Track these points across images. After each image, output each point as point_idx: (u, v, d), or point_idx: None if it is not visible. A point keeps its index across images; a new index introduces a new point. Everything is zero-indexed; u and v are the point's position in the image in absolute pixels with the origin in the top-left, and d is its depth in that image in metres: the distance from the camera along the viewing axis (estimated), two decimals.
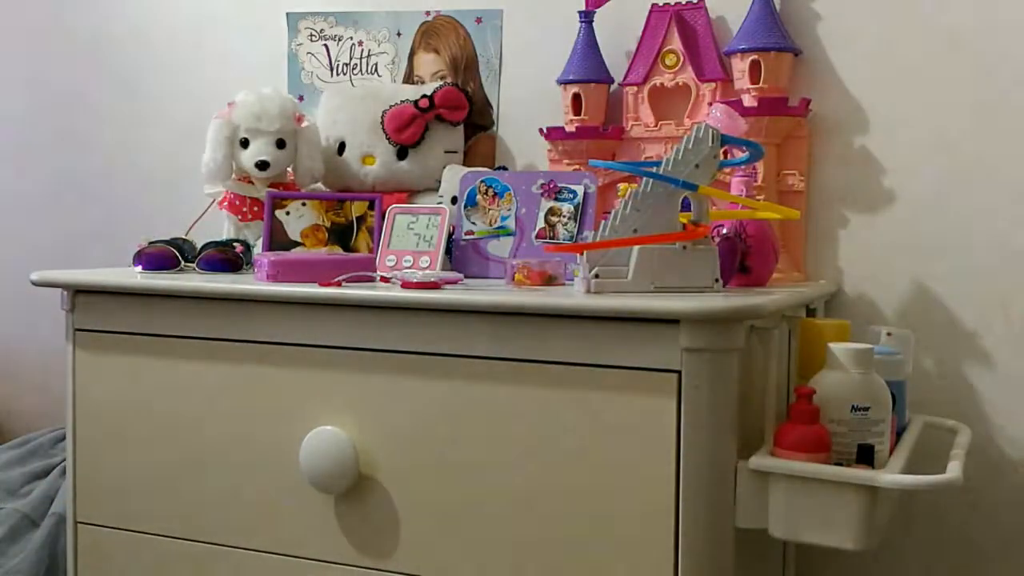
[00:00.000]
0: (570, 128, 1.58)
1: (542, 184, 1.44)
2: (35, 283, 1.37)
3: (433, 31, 1.76)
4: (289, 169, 1.63)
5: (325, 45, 1.82)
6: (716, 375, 1.06)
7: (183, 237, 1.50)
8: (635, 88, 1.58)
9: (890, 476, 1.04)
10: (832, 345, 1.13)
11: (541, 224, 1.42)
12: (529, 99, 1.68)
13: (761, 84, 1.46)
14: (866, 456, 1.08)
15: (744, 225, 1.28)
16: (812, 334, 1.22)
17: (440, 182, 1.60)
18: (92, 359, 1.38)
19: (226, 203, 1.61)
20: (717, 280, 1.18)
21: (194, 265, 1.44)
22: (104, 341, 1.37)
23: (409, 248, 1.41)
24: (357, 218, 1.52)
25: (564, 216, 1.42)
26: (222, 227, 1.61)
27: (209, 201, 1.66)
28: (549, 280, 1.24)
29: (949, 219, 1.46)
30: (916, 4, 1.47)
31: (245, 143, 1.58)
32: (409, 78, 1.77)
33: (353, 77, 1.80)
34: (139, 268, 1.43)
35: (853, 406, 1.10)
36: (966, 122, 1.45)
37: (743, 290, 1.25)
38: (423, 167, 1.63)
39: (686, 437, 1.06)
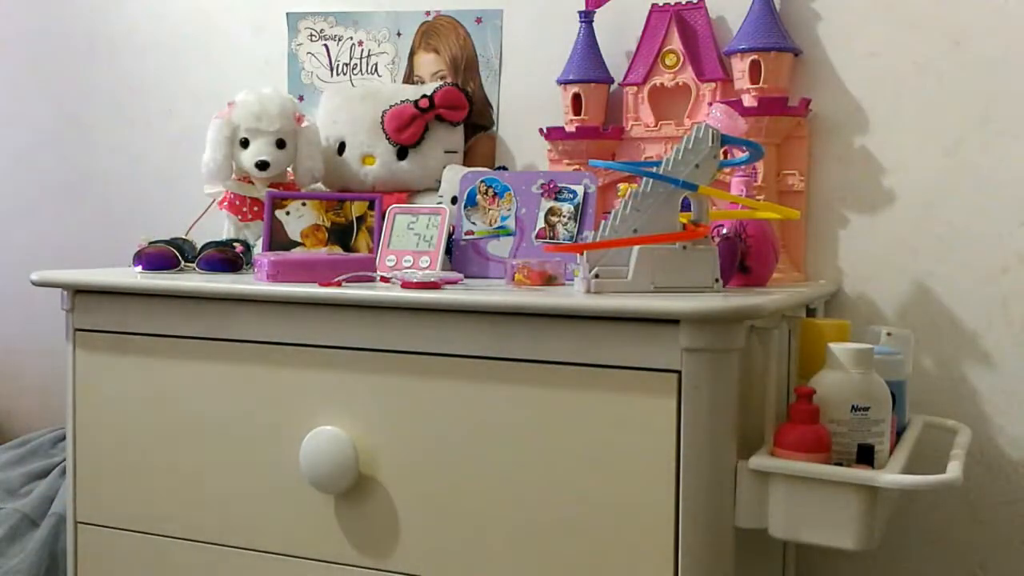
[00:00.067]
0: (570, 128, 1.58)
1: (542, 184, 1.43)
2: (35, 283, 1.37)
3: (433, 31, 1.76)
4: (289, 169, 1.63)
5: (325, 45, 1.82)
6: (716, 375, 1.06)
7: (183, 237, 1.50)
8: (635, 88, 1.58)
9: (890, 476, 1.04)
10: (832, 345, 1.13)
11: (541, 224, 1.42)
12: (529, 99, 1.68)
13: (761, 84, 1.46)
14: (866, 456, 1.08)
15: (744, 225, 1.28)
16: (812, 334, 1.22)
17: (440, 182, 1.60)
18: (92, 359, 1.38)
19: (226, 203, 1.61)
20: (717, 280, 1.18)
21: (194, 265, 1.44)
22: (104, 341, 1.37)
23: (409, 248, 1.41)
24: (357, 218, 1.52)
25: (564, 216, 1.41)
26: (222, 227, 1.61)
27: (209, 201, 1.66)
28: (549, 280, 1.24)
29: (949, 219, 1.46)
30: (916, 4, 1.47)
31: (245, 143, 1.58)
32: (409, 78, 1.77)
33: (353, 77, 1.80)
34: (139, 268, 1.43)
35: (853, 406, 1.10)
36: (966, 122, 1.45)
37: (743, 290, 1.25)
38: (423, 167, 1.63)
39: (686, 437, 1.06)
